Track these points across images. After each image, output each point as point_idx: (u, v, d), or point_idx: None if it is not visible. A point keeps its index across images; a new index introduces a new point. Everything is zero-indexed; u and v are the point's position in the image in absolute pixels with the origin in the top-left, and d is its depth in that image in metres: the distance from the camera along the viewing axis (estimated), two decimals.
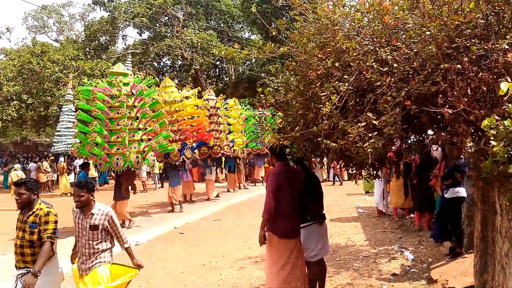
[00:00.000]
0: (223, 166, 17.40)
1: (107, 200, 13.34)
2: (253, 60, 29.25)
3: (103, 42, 28.39)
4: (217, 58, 30.64)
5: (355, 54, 3.38)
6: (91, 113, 9.36)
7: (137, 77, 10.31)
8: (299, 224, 4.41)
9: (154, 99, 9.98)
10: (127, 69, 21.40)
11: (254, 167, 20.52)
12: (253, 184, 19.87)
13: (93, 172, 14.38)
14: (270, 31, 4.03)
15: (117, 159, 9.05)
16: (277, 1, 3.90)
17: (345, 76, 3.17)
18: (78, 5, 64.68)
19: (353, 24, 3.57)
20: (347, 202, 13.11)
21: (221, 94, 16.17)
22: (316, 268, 4.57)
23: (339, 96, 2.97)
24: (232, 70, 32.15)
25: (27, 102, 22.74)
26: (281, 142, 4.07)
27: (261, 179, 20.20)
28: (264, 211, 4.19)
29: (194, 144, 12.51)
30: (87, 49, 27.50)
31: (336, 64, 3.39)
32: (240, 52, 3.95)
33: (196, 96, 13.02)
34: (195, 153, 12.37)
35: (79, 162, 16.12)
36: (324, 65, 3.50)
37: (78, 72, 23.02)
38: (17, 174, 13.62)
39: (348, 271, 6.08)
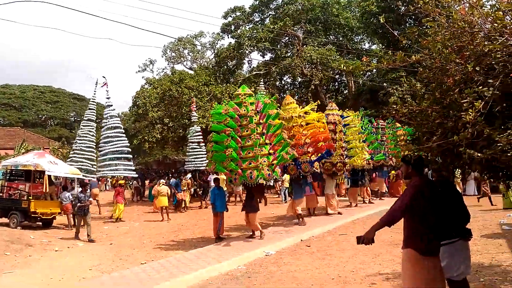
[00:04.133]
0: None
1: (235, 211, 14.21)
2: (374, 70, 28.30)
3: (231, 67, 30.77)
4: (336, 72, 30.52)
5: (499, 56, 3.14)
6: (223, 132, 10.22)
7: (261, 95, 10.95)
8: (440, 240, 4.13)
9: (276, 111, 10.52)
10: (260, 90, 22.83)
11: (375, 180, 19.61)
12: (377, 198, 19.03)
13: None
14: (400, 40, 3.97)
15: (251, 172, 9.69)
16: (409, 9, 3.84)
17: (489, 80, 2.96)
18: (208, 35, 71.12)
19: (495, 25, 3.32)
20: (488, 219, 11.75)
21: (341, 108, 16.04)
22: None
23: (483, 102, 2.78)
24: (352, 83, 31.62)
25: (169, 125, 25.82)
26: (415, 154, 3.91)
27: (385, 191, 19.89)
28: (387, 214, 3.85)
29: (313, 158, 12.55)
30: (217, 74, 30.12)
31: (477, 68, 3.19)
32: (369, 65, 3.96)
33: (315, 110, 13.16)
34: (313, 166, 12.40)
35: (212, 177, 17.58)
36: (462, 70, 3.32)
37: (210, 96, 25.35)
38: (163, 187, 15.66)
39: None
